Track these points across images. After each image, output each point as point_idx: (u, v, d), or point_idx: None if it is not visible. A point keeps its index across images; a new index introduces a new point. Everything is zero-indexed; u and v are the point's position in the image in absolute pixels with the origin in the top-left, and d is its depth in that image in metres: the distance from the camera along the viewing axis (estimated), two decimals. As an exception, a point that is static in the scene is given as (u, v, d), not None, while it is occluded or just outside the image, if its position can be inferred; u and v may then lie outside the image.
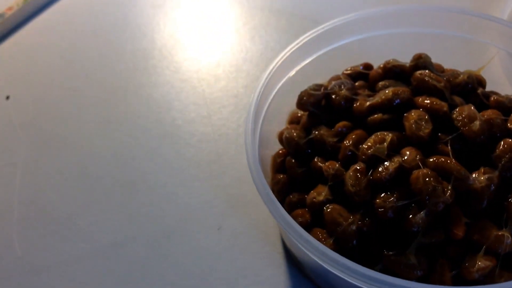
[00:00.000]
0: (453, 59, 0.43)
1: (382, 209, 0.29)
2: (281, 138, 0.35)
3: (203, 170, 0.43)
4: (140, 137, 0.46)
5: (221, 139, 0.44)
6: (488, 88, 0.37)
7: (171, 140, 0.45)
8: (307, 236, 0.27)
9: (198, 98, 0.48)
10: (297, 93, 0.35)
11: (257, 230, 0.38)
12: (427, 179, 0.29)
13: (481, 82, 0.37)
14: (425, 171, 0.29)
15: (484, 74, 0.38)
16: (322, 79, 0.39)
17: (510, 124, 0.33)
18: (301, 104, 0.34)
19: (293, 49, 0.36)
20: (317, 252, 0.27)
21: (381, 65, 0.37)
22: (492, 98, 0.34)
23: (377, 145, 0.31)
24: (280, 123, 0.38)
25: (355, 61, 0.40)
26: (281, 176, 0.34)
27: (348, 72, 0.39)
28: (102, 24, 0.57)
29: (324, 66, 0.41)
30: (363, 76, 0.38)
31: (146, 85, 0.50)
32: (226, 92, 0.48)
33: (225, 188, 0.41)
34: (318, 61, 0.40)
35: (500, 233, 0.28)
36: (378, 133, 0.31)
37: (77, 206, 0.42)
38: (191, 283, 0.36)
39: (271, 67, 0.35)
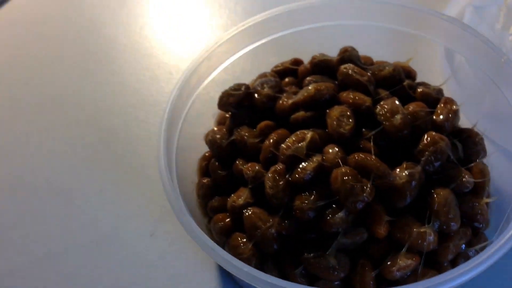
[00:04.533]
0: (392, 51, 0.42)
1: (300, 211, 0.28)
2: (207, 140, 0.34)
3: (139, 175, 0.41)
4: (76, 144, 0.44)
5: (158, 142, 0.43)
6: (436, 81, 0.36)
7: (108, 146, 0.44)
8: (219, 250, 0.27)
9: (137, 101, 0.46)
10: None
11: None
12: (345, 177, 0.28)
13: (410, 74, 0.36)
14: (343, 169, 0.28)
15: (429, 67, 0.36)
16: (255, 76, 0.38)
17: (436, 117, 0.32)
18: (221, 105, 0.33)
19: (215, 48, 0.35)
20: (226, 263, 0.26)
21: (309, 60, 0.36)
22: (418, 90, 0.33)
23: (296, 145, 0.30)
24: (209, 125, 0.37)
25: (289, 56, 0.39)
26: (206, 180, 0.33)
27: (278, 68, 0.37)
28: (42, 30, 0.55)
29: (257, 62, 0.40)
30: (292, 72, 0.37)
31: (84, 90, 0.48)
32: (164, 93, 0.47)
33: (161, 193, 0.39)
34: (251, 57, 0.39)
35: (422, 230, 0.28)
36: (298, 132, 0.30)
37: (11, 217, 0.41)
38: (123, 293, 0.35)
39: (189, 68, 0.34)
